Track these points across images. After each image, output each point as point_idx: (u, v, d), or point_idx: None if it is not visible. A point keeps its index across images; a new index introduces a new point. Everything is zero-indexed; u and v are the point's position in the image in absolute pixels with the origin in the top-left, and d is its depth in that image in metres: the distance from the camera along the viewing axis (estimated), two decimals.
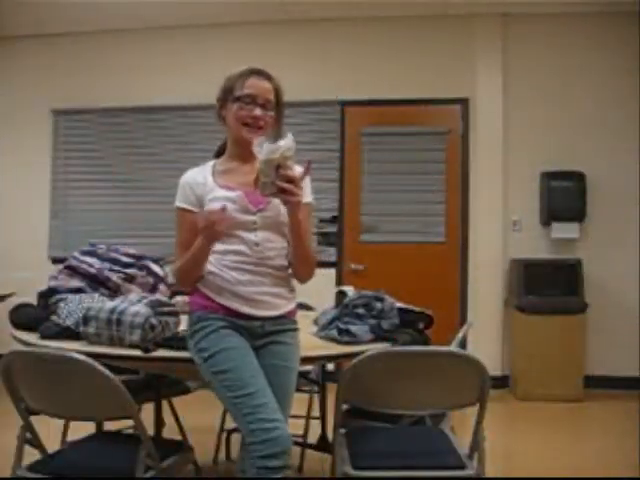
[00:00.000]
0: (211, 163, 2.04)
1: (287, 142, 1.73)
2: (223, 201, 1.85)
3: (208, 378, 1.87)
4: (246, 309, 1.88)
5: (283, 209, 1.86)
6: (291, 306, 1.99)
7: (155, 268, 2.73)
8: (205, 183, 1.95)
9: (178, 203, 2.03)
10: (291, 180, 1.73)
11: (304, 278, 2.01)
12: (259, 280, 1.90)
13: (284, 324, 1.96)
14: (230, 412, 1.83)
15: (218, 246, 1.88)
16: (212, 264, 1.91)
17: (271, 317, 1.92)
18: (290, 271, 2.00)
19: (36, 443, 2.07)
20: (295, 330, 2.00)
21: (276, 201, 1.86)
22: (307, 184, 1.93)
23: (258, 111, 1.93)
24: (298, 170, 1.81)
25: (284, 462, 1.71)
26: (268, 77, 1.99)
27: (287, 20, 5.36)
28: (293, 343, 1.97)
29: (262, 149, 1.74)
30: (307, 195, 1.93)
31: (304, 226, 1.88)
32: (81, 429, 2.47)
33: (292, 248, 1.94)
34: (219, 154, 2.10)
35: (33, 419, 2.10)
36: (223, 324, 1.87)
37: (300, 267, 1.97)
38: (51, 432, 2.54)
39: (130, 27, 5.52)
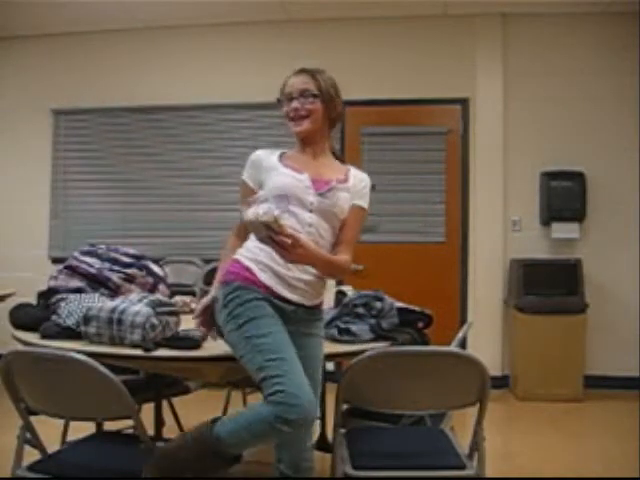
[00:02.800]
0: (282, 150, 2.14)
1: (261, 210, 1.75)
2: (287, 177, 1.98)
3: (239, 344, 1.84)
4: (284, 291, 1.92)
5: (342, 202, 2.00)
6: (321, 298, 2.07)
7: (155, 268, 2.73)
8: (270, 164, 2.05)
9: (244, 176, 2.11)
10: (277, 242, 1.76)
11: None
12: (302, 267, 1.93)
13: (314, 314, 2.03)
14: (256, 375, 1.79)
15: None
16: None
17: (304, 305, 1.97)
18: None
19: (36, 443, 2.07)
20: (321, 321, 2.09)
21: (338, 192, 2.01)
22: (362, 190, 2.08)
23: (295, 103, 2.05)
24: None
25: (297, 429, 1.71)
26: (307, 72, 2.10)
27: (287, 20, 5.37)
28: (320, 335, 2.06)
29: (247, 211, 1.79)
30: (359, 198, 2.07)
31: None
32: (81, 429, 2.47)
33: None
34: None
35: (33, 419, 2.10)
36: (261, 296, 1.90)
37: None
38: (51, 432, 2.54)
39: (130, 27, 5.52)
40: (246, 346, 1.81)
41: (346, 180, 2.07)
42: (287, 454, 1.97)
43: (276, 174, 2.01)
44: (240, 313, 1.86)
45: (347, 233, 2.06)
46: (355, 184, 2.07)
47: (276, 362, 1.75)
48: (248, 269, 1.93)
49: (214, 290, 2.01)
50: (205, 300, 2.02)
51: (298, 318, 1.96)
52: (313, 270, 1.95)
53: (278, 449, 1.97)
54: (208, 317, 2.00)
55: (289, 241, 1.75)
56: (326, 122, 2.11)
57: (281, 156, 2.09)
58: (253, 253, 1.95)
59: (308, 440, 1.98)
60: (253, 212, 1.74)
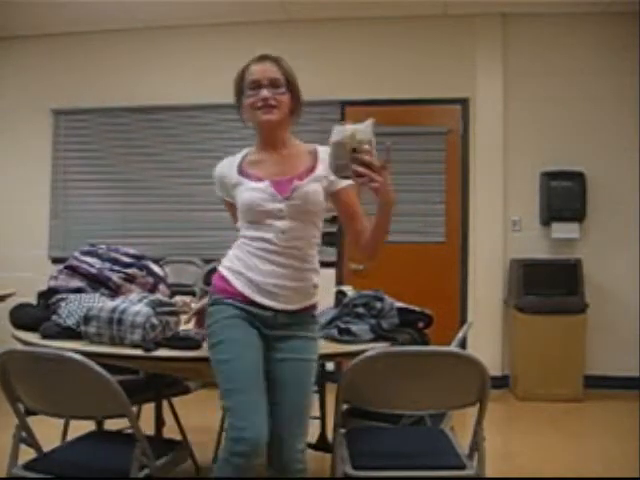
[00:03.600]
0: (243, 152, 2.07)
1: (360, 126, 1.69)
2: (250, 192, 1.91)
3: (211, 362, 1.90)
4: (259, 298, 1.90)
5: (312, 197, 1.91)
6: (310, 301, 1.99)
7: (155, 268, 2.73)
8: (232, 176, 1.99)
9: (217, 191, 2.08)
10: (368, 165, 1.71)
11: (373, 257, 1.98)
12: (281, 272, 1.90)
13: (300, 317, 1.96)
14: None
15: (247, 232, 1.94)
16: (239, 248, 1.95)
17: (285, 310, 1.92)
18: (317, 266, 2.00)
19: (32, 442, 2.07)
20: (313, 323, 2.01)
21: (304, 189, 1.91)
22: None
23: (265, 92, 1.95)
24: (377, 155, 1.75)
25: (246, 461, 1.75)
26: (271, 59, 2.05)
27: (287, 20, 5.36)
28: (310, 336, 1.98)
29: (334, 131, 1.70)
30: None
31: (384, 212, 1.90)
32: (82, 429, 2.47)
33: (374, 233, 1.93)
34: None
35: (35, 419, 2.11)
36: (235, 312, 1.89)
37: (376, 246, 1.96)
38: (52, 432, 2.54)
39: (130, 27, 5.52)
40: (214, 368, 1.87)
41: (313, 168, 1.96)
42: (275, 456, 1.89)
43: (240, 191, 1.95)
44: (213, 332, 1.90)
45: (358, 210, 1.97)
46: (325, 168, 1.89)
47: (230, 392, 1.80)
48: (224, 278, 1.94)
49: (206, 297, 2.02)
50: (197, 306, 2.06)
51: (279, 323, 1.92)
52: (292, 275, 1.91)
53: (268, 451, 1.89)
54: (202, 318, 2.03)
55: (378, 163, 1.72)
56: (289, 113, 2.03)
57: (241, 164, 2.01)
58: (230, 262, 1.96)
59: (298, 442, 1.91)
60: (342, 129, 1.66)
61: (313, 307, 2.02)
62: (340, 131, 1.68)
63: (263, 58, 2.04)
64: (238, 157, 2.05)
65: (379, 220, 1.90)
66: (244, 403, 1.78)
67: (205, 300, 2.01)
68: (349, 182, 1.90)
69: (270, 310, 1.90)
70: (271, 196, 1.90)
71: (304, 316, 1.98)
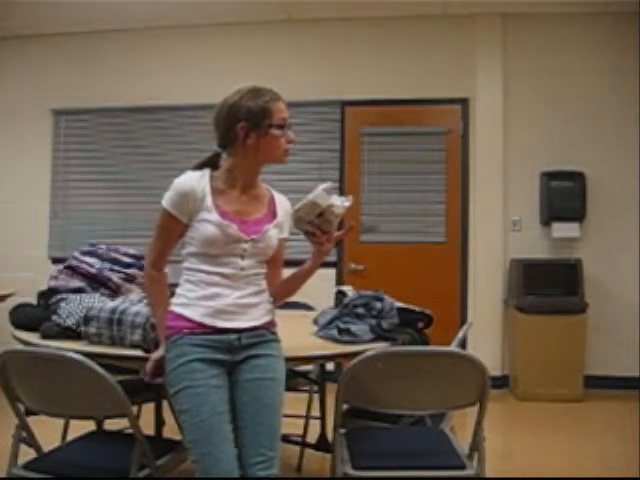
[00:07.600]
0: (208, 175, 1.93)
1: (343, 201, 1.87)
2: (215, 226, 1.84)
3: (175, 410, 1.85)
4: (221, 323, 1.84)
5: (273, 242, 1.94)
6: (270, 317, 1.96)
7: None
8: (203, 199, 1.86)
9: (167, 206, 1.87)
10: (326, 232, 1.89)
11: (279, 303, 2.06)
12: (241, 294, 1.88)
13: (263, 335, 1.91)
14: None
15: (202, 266, 1.87)
16: (192, 282, 1.88)
17: (248, 328, 1.88)
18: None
19: (32, 442, 2.07)
20: (276, 341, 1.95)
21: (269, 233, 1.93)
22: (287, 220, 2.00)
23: (291, 133, 1.94)
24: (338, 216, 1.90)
25: None
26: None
27: (287, 20, 5.37)
28: (275, 355, 1.92)
29: (316, 189, 1.85)
30: (285, 230, 2.01)
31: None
32: (82, 429, 2.47)
33: (290, 282, 2.04)
34: (206, 165, 1.99)
35: (35, 419, 2.11)
36: (193, 355, 1.80)
37: (283, 297, 2.07)
38: (52, 432, 2.54)
39: (130, 27, 5.53)
40: (178, 416, 1.82)
41: (275, 215, 1.97)
42: (241, 461, 1.80)
43: (204, 220, 1.84)
44: (172, 379, 1.81)
45: (279, 264, 2.04)
46: (283, 216, 1.99)
47: (193, 444, 1.76)
48: (179, 316, 1.85)
49: (162, 346, 1.90)
50: (155, 355, 1.91)
51: (244, 345, 1.87)
52: (252, 294, 1.90)
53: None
54: (160, 369, 1.89)
55: (334, 232, 1.89)
56: None
57: (212, 190, 1.89)
58: (183, 296, 1.88)
59: (265, 447, 1.82)
60: (326, 196, 1.82)
61: (273, 324, 1.97)
62: (322, 197, 1.84)
63: (280, 97, 1.94)
64: (205, 178, 1.91)
65: (303, 274, 2.00)
66: (207, 457, 1.74)
67: (161, 350, 1.88)
68: (286, 236, 2.02)
69: (234, 332, 1.85)
70: (237, 236, 1.86)
71: (267, 333, 1.93)
